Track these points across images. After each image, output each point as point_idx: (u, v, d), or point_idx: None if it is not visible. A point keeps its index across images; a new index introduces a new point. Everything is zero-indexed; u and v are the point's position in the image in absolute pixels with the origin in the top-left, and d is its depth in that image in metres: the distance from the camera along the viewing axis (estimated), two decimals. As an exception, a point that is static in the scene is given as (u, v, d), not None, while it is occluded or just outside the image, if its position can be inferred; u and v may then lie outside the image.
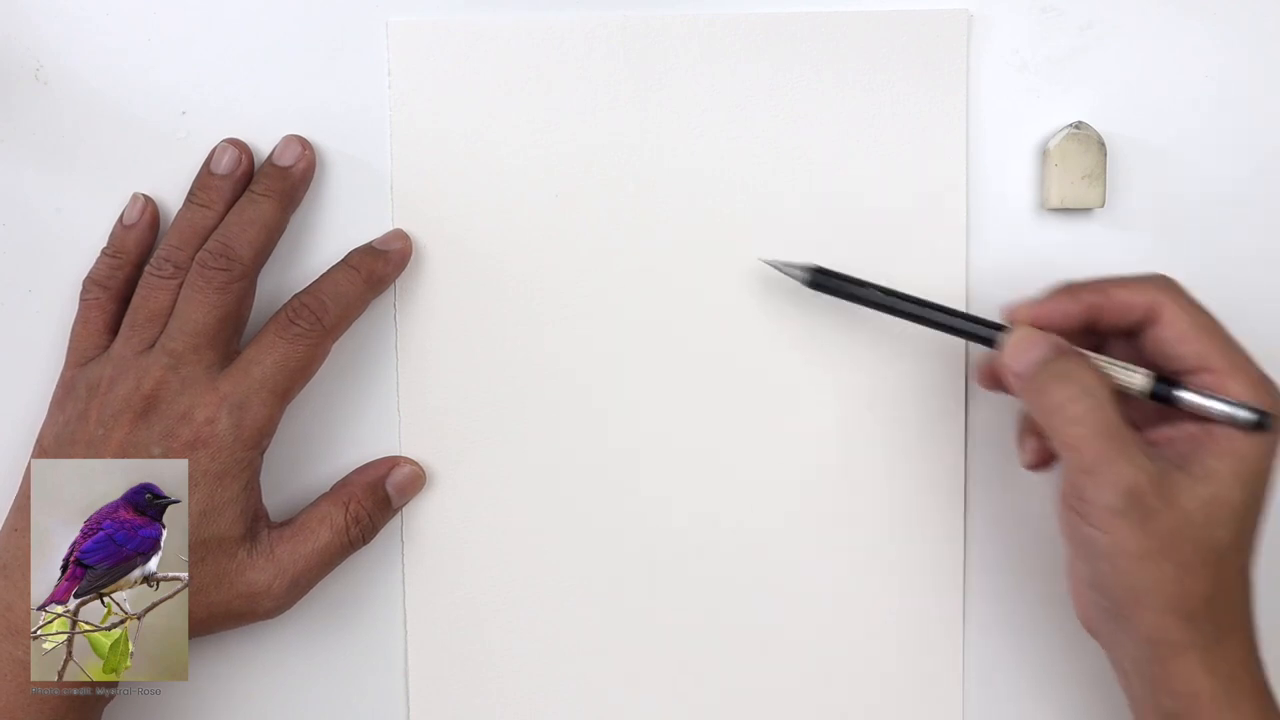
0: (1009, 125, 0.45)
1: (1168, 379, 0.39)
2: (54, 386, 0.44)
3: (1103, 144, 0.44)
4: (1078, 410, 0.38)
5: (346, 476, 0.46)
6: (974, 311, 0.42)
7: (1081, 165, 0.44)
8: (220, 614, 0.42)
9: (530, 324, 0.46)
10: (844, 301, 0.43)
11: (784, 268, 0.43)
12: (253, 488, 0.42)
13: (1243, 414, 0.38)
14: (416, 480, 0.46)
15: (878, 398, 0.46)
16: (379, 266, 0.44)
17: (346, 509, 0.44)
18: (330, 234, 0.45)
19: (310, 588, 0.44)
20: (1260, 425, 0.38)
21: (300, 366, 0.42)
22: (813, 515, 0.46)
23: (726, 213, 0.45)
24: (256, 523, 0.43)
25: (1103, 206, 0.44)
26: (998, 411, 0.46)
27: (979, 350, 0.44)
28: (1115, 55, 0.45)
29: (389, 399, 0.46)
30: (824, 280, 0.43)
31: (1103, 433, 0.37)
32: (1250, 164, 0.45)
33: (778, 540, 0.46)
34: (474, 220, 0.45)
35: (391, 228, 0.45)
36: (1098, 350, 0.41)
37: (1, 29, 0.45)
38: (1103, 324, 0.40)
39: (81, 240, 0.45)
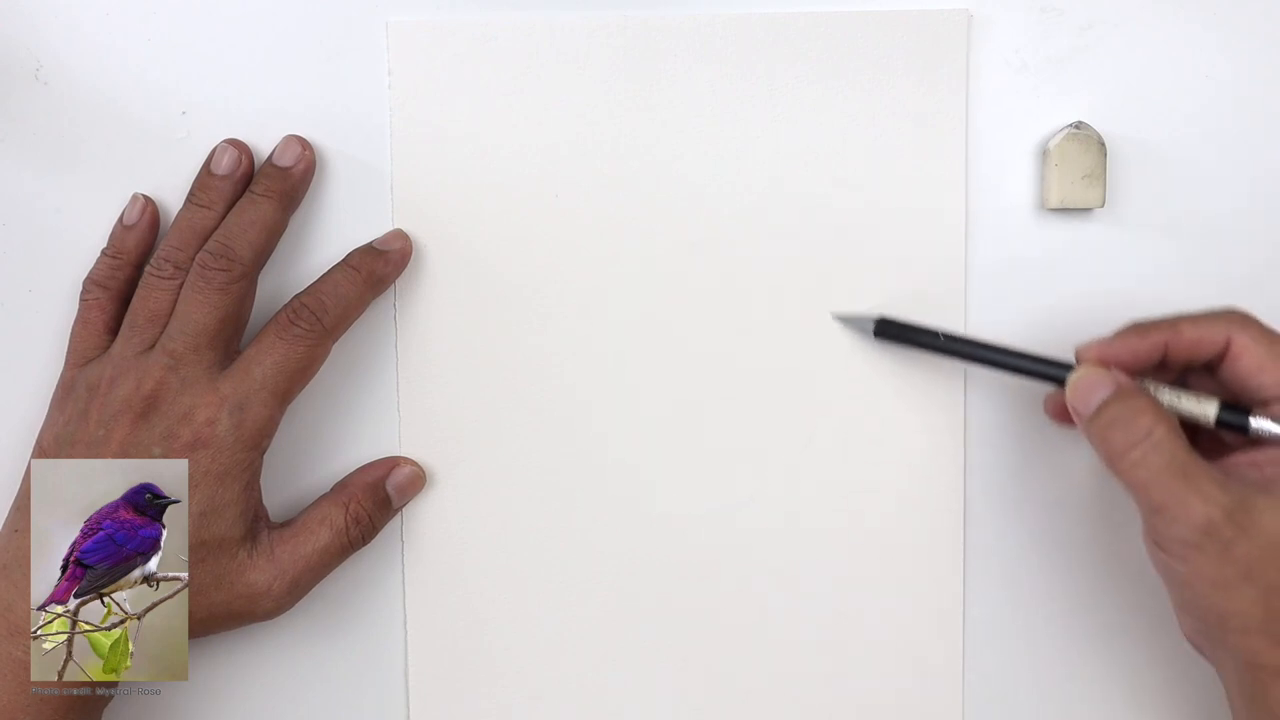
0: (1009, 125, 0.45)
1: (1238, 407, 0.39)
2: (54, 386, 0.44)
3: (1103, 144, 0.44)
4: (1138, 454, 0.37)
5: (346, 477, 0.46)
6: (972, 308, 0.42)
7: (1081, 165, 0.43)
8: (220, 614, 0.42)
9: (530, 324, 0.46)
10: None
11: (851, 320, 0.44)
12: (253, 488, 0.42)
13: None
14: (417, 480, 0.46)
15: (876, 398, 0.46)
16: (379, 266, 0.44)
17: (346, 509, 0.44)
18: (330, 234, 0.45)
19: (310, 588, 0.44)
20: None
21: (300, 367, 0.42)
22: (813, 515, 0.46)
23: (726, 213, 0.45)
24: (257, 523, 0.43)
25: (1103, 206, 0.44)
26: (997, 410, 0.46)
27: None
28: (1115, 55, 0.45)
29: (389, 399, 0.46)
30: (889, 329, 0.43)
31: (1166, 472, 0.37)
32: (1250, 164, 0.45)
33: (778, 541, 0.46)
34: (474, 220, 0.45)
35: (391, 228, 0.45)
36: (1179, 382, 0.40)
37: (1, 29, 0.45)
38: (1176, 360, 0.40)
39: (81, 240, 0.45)
